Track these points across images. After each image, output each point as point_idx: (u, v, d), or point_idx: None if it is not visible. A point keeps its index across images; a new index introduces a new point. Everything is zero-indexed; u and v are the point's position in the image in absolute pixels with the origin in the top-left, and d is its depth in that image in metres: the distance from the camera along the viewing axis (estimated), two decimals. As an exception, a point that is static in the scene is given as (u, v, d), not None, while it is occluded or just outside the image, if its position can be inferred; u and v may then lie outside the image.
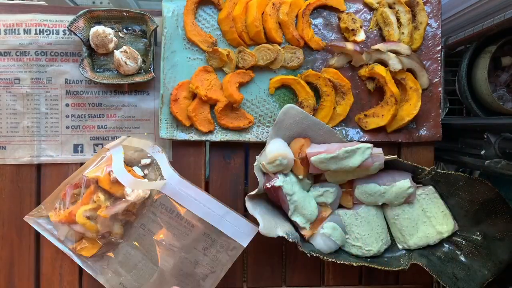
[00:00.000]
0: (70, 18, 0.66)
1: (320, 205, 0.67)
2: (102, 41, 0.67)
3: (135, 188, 0.63)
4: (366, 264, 0.65)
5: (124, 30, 0.70)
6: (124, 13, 0.68)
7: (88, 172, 0.63)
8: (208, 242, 0.65)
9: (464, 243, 0.68)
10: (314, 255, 0.63)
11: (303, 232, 0.65)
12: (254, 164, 0.64)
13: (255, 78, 0.71)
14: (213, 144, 0.73)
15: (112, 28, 0.69)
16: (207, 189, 0.73)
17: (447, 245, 0.69)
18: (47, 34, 0.69)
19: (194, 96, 0.69)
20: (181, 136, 0.69)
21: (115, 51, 0.67)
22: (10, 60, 0.69)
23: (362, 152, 0.61)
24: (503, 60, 0.85)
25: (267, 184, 0.62)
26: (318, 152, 0.62)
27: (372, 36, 0.72)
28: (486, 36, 0.80)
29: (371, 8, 0.73)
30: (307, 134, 0.66)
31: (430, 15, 0.72)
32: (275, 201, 0.66)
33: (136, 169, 0.67)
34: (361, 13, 0.73)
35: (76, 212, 0.62)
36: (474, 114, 0.86)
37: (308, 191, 0.67)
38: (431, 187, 0.67)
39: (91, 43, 0.67)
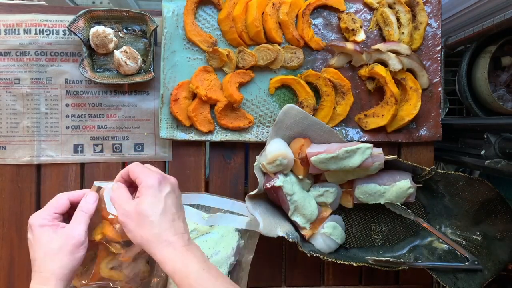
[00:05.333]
0: (70, 18, 0.66)
1: (320, 205, 0.67)
2: (102, 41, 0.67)
3: None
4: (366, 264, 0.65)
5: (124, 30, 0.70)
6: (124, 13, 0.68)
7: (94, 235, 0.61)
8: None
9: (464, 243, 0.68)
10: (314, 255, 0.63)
11: (303, 232, 0.65)
12: (254, 164, 0.64)
13: (255, 78, 0.71)
14: (213, 144, 0.73)
15: (112, 28, 0.69)
16: (207, 189, 0.73)
17: (447, 245, 0.69)
18: (47, 34, 0.69)
19: (194, 96, 0.69)
20: (181, 136, 0.69)
21: (115, 51, 0.67)
22: (10, 60, 0.69)
23: (362, 152, 0.61)
24: (503, 60, 0.85)
25: (267, 184, 0.62)
26: (318, 152, 0.62)
27: (372, 36, 0.72)
28: (486, 36, 0.80)
29: (371, 8, 0.73)
30: (307, 134, 0.66)
31: (430, 15, 0.72)
32: (275, 201, 0.66)
33: None
34: (361, 13, 0.73)
35: (100, 269, 0.60)
36: (474, 114, 0.86)
37: (308, 191, 0.67)
38: None
39: (91, 43, 0.67)
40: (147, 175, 0.52)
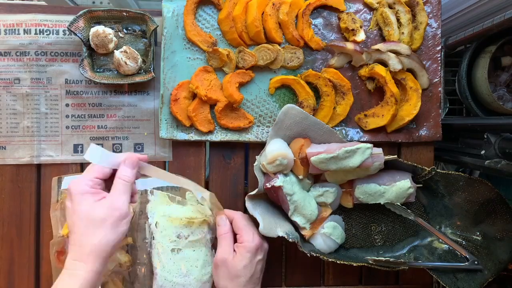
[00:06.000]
0: (70, 18, 0.66)
1: (320, 205, 0.67)
2: (102, 41, 0.67)
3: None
4: (366, 264, 0.65)
5: (124, 30, 0.70)
6: (124, 13, 0.68)
7: (62, 231, 0.62)
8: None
9: (464, 243, 0.68)
10: (314, 255, 0.63)
11: (303, 232, 0.65)
12: (254, 164, 0.64)
13: (255, 78, 0.71)
14: (213, 144, 0.73)
15: (112, 28, 0.69)
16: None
17: (447, 245, 0.69)
18: (47, 34, 0.69)
19: (194, 96, 0.69)
20: (181, 136, 0.69)
21: (115, 51, 0.67)
22: (10, 60, 0.69)
23: (362, 152, 0.61)
24: (503, 60, 0.85)
25: (267, 184, 0.62)
26: (318, 152, 0.62)
27: (372, 36, 0.72)
28: (486, 36, 0.80)
29: (371, 8, 0.73)
30: (307, 134, 0.66)
31: (430, 15, 0.72)
32: (275, 201, 0.66)
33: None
34: (361, 13, 0.73)
35: None
36: (474, 114, 0.86)
37: (308, 191, 0.67)
38: None
39: (91, 43, 0.67)
40: (249, 237, 0.59)
